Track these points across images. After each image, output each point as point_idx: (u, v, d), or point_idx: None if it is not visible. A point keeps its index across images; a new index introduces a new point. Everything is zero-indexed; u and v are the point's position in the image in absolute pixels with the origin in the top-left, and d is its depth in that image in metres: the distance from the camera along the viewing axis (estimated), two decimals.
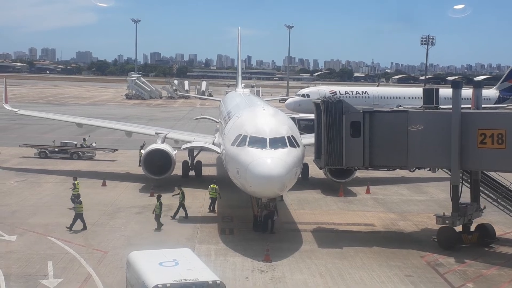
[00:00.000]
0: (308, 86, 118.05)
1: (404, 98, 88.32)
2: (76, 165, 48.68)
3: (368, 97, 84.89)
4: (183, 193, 33.29)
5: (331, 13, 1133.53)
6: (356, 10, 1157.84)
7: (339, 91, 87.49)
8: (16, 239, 28.52)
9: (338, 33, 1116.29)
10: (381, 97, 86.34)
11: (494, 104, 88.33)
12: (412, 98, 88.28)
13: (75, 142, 53.83)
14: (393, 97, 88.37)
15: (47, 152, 52.26)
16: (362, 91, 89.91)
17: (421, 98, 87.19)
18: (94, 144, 54.67)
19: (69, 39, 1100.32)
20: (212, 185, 34.86)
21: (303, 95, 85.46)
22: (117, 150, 53.58)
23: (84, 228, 30.02)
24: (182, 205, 33.16)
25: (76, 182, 35.15)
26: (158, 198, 31.63)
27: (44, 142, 55.71)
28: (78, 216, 30.07)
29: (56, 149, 52.59)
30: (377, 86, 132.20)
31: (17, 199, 36.40)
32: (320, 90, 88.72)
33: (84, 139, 55.07)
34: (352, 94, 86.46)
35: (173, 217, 32.82)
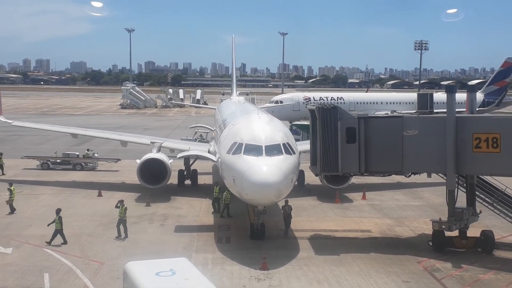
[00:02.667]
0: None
1: (382, 103, 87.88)
2: (71, 176, 48.58)
3: (344, 103, 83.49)
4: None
5: (325, 19, 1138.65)
6: (349, 17, 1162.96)
7: (313, 97, 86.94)
8: (12, 251, 28.42)
9: (332, 40, 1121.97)
10: (357, 103, 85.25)
11: (478, 108, 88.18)
12: (388, 103, 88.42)
13: (77, 153, 53.75)
14: (369, 103, 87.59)
15: (49, 163, 52.21)
16: (338, 97, 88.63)
17: (397, 103, 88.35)
18: (96, 155, 54.57)
19: (63, 49, 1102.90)
20: (225, 192, 34.55)
21: (276, 102, 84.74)
22: (120, 160, 53.42)
23: (65, 243, 29.50)
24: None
25: (11, 188, 36.00)
26: (121, 203, 31.49)
27: (40, 153, 55.59)
28: (58, 231, 29.61)
29: (58, 160, 52.58)
30: (366, 91, 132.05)
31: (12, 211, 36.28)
32: (294, 96, 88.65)
33: (88, 150, 55.01)
34: (327, 100, 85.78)
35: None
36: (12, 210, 35.99)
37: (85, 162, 52.57)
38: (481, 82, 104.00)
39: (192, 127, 69.12)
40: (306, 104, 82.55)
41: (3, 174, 49.01)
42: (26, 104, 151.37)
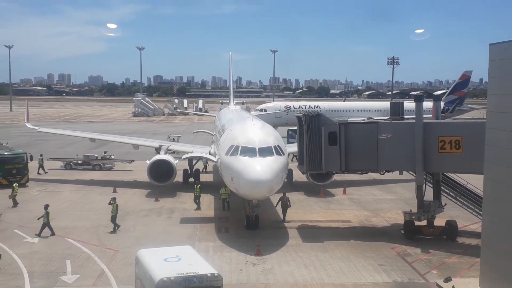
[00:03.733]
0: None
1: (353, 111, 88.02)
2: (90, 175, 48.39)
3: (320, 110, 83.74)
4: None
5: (310, 37, 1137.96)
6: (331, 35, 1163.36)
7: (293, 106, 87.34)
8: (38, 241, 28.32)
9: (316, 55, 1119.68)
10: (332, 110, 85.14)
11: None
12: (359, 111, 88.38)
13: (96, 155, 53.54)
14: (343, 110, 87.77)
15: (72, 164, 52.05)
16: (315, 105, 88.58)
17: (367, 110, 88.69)
18: (113, 156, 54.35)
19: (82, 65, 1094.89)
20: (222, 188, 34.44)
21: (261, 110, 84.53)
22: (133, 160, 53.16)
23: (53, 234, 29.08)
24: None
25: (14, 185, 36.55)
26: (113, 201, 30.95)
27: (63, 156, 55.32)
28: (46, 224, 29.23)
29: (80, 162, 52.43)
30: (344, 101, 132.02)
31: (39, 206, 35.88)
32: (276, 105, 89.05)
33: (105, 152, 54.79)
34: (305, 108, 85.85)
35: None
36: (15, 204, 35.83)
37: (103, 163, 52.38)
38: (445, 92, 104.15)
39: (195, 132, 69.04)
40: (287, 112, 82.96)
41: (45, 172, 49.00)
42: (50, 113, 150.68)
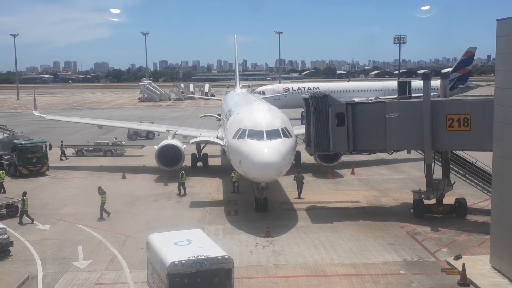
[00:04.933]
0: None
1: (353, 91, 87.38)
2: (99, 162, 48.63)
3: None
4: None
5: (315, 18, 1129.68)
6: (337, 15, 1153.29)
7: (292, 88, 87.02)
8: (49, 227, 28.58)
9: (322, 36, 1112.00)
10: (331, 92, 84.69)
11: None
12: (359, 91, 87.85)
13: (107, 141, 53.73)
14: (342, 91, 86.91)
15: (83, 151, 52.34)
16: (314, 87, 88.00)
17: (366, 90, 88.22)
18: (123, 142, 54.46)
19: (87, 51, 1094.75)
20: (233, 172, 34.01)
21: (259, 92, 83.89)
22: (144, 146, 53.23)
23: (32, 222, 29.08)
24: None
25: (0, 172, 36.55)
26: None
27: (70, 142, 55.33)
28: (23, 212, 29.20)
29: (91, 148, 52.69)
30: (348, 81, 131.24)
31: (49, 193, 36.41)
32: (275, 87, 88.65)
33: (115, 138, 54.81)
34: (304, 90, 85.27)
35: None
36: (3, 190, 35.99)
37: (114, 149, 52.59)
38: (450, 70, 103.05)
39: (202, 116, 68.99)
40: (285, 94, 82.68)
41: (66, 159, 49.66)
42: (57, 100, 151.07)
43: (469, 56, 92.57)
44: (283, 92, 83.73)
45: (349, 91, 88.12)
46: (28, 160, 41.84)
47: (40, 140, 44.58)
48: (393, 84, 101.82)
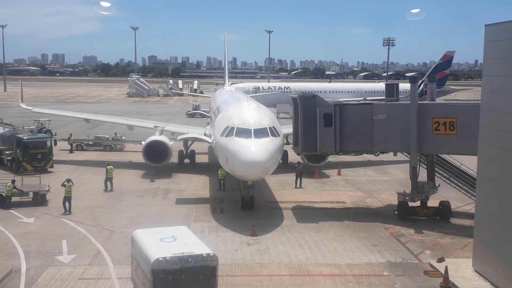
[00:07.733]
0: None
1: (325, 92, 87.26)
2: (85, 156, 48.30)
3: (290, 92, 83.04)
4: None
5: (305, 18, 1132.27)
6: (327, 16, 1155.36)
7: (262, 87, 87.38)
8: (33, 221, 28.36)
9: (312, 36, 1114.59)
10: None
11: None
12: (330, 92, 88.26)
13: (107, 136, 53.35)
14: (314, 92, 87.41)
15: (83, 145, 51.95)
16: (285, 87, 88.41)
17: (339, 92, 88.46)
18: (123, 137, 54.01)
19: (76, 45, 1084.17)
20: (220, 169, 34.02)
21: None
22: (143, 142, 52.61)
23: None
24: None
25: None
26: (68, 181, 30.40)
27: (59, 136, 54.65)
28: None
29: (91, 142, 52.34)
30: (329, 82, 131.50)
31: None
32: (245, 86, 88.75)
33: (115, 133, 54.29)
34: (275, 89, 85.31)
35: None
36: None
37: (114, 144, 52.25)
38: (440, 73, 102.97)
39: (189, 112, 68.88)
40: (255, 93, 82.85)
41: (71, 152, 50.10)
42: (44, 93, 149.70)
43: (447, 59, 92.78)
44: (253, 91, 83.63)
45: (321, 92, 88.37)
46: (33, 156, 40.24)
47: (45, 136, 43.72)
48: (366, 86, 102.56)
